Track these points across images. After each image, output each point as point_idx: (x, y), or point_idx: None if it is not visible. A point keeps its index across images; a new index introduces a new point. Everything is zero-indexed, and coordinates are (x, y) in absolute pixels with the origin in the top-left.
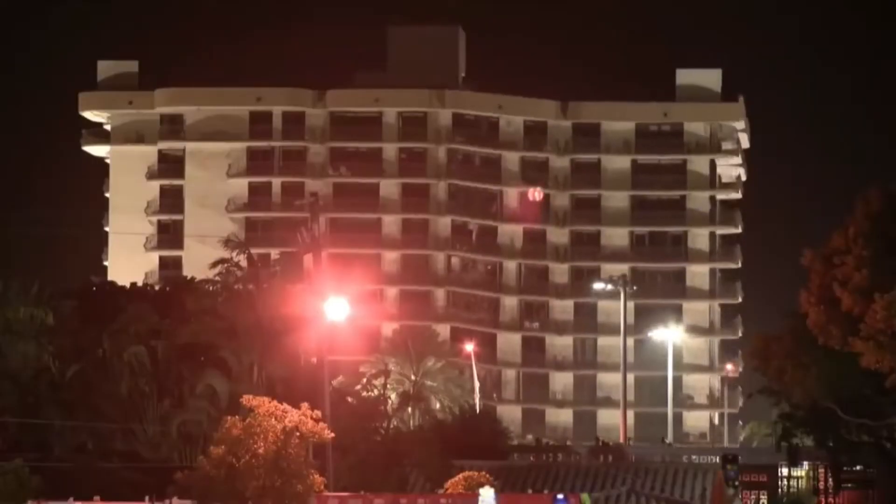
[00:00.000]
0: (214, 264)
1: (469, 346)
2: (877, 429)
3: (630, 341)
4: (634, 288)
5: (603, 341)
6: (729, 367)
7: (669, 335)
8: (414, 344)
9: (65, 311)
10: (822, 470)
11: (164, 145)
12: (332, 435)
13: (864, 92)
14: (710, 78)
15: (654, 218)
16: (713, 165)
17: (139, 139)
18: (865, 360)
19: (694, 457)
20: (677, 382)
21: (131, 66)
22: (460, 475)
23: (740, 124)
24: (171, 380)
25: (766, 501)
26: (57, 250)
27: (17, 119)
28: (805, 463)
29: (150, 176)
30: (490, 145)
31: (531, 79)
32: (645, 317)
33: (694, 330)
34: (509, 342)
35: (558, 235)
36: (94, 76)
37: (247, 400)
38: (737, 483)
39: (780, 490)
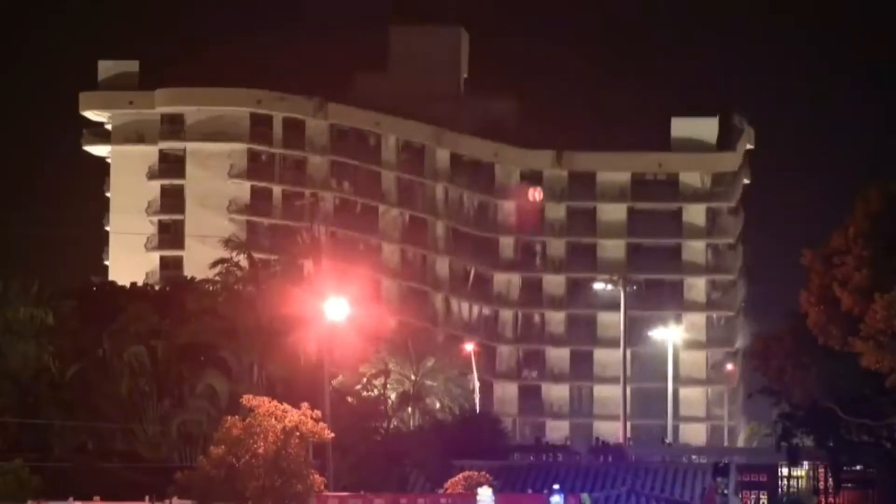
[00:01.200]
0: (214, 264)
1: (469, 346)
2: (877, 429)
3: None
4: (634, 288)
5: (599, 391)
6: (730, 366)
7: (669, 334)
8: (414, 344)
9: (65, 311)
10: (822, 470)
11: (165, 145)
12: (332, 435)
13: (863, 91)
14: (706, 127)
15: (650, 265)
16: (709, 214)
17: (140, 139)
18: (865, 360)
19: (694, 457)
20: (675, 431)
21: (132, 65)
22: (460, 475)
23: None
24: (171, 380)
25: (766, 501)
26: (57, 250)
27: (18, 118)
28: (805, 463)
29: (151, 175)
30: (487, 192)
31: (534, 84)
32: (641, 363)
33: (690, 381)
34: (506, 391)
35: (554, 285)
36: (95, 76)
37: (247, 400)
38: (726, 492)
39: (780, 490)
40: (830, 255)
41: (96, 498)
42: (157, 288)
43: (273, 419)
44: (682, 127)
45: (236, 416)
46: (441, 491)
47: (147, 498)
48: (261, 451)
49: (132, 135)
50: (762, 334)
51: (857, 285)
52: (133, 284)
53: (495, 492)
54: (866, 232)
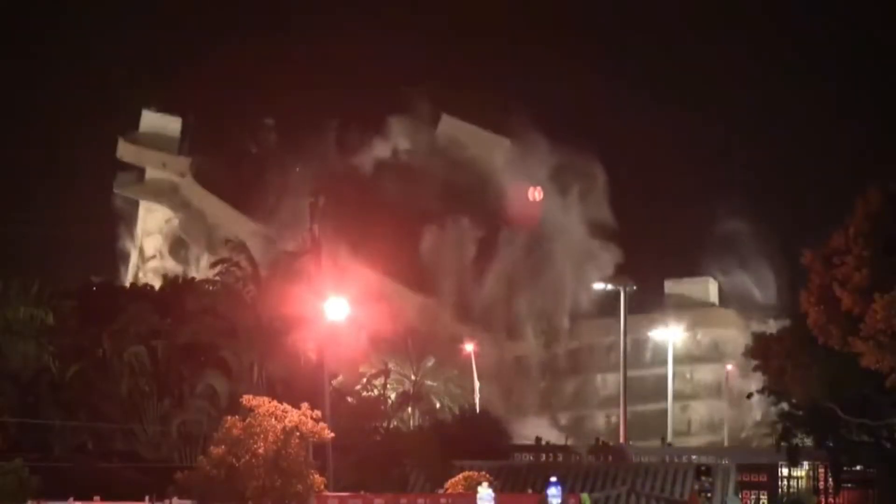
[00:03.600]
0: (214, 264)
1: (469, 346)
2: (877, 429)
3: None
4: (635, 288)
5: None
6: (730, 366)
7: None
8: (414, 344)
9: (65, 311)
10: (822, 470)
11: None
12: (332, 435)
13: (863, 90)
14: (700, 288)
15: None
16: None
17: (169, 195)
18: (865, 360)
19: (694, 457)
20: None
21: (174, 123)
22: (460, 475)
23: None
24: (171, 380)
25: (766, 501)
26: (68, 254)
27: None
28: (805, 463)
29: (170, 246)
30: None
31: None
32: None
33: None
34: None
35: None
36: (138, 117)
37: (247, 400)
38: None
39: (780, 490)
40: (830, 255)
41: (96, 498)
42: (156, 288)
43: (273, 419)
44: (675, 289)
45: (236, 416)
46: (441, 491)
47: (147, 498)
48: (261, 451)
49: (164, 188)
50: (762, 335)
51: (857, 285)
52: (133, 284)
53: (495, 491)
54: (866, 232)
